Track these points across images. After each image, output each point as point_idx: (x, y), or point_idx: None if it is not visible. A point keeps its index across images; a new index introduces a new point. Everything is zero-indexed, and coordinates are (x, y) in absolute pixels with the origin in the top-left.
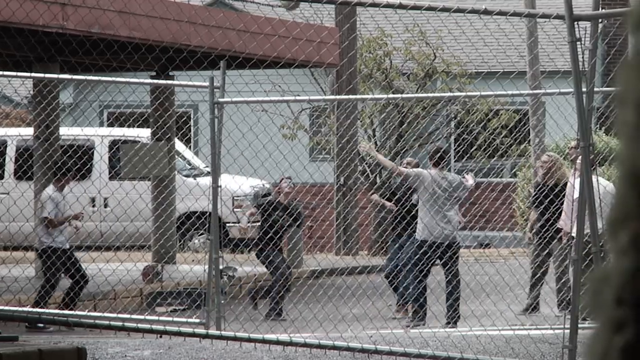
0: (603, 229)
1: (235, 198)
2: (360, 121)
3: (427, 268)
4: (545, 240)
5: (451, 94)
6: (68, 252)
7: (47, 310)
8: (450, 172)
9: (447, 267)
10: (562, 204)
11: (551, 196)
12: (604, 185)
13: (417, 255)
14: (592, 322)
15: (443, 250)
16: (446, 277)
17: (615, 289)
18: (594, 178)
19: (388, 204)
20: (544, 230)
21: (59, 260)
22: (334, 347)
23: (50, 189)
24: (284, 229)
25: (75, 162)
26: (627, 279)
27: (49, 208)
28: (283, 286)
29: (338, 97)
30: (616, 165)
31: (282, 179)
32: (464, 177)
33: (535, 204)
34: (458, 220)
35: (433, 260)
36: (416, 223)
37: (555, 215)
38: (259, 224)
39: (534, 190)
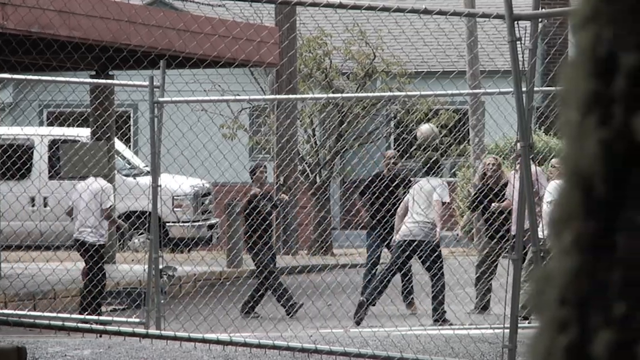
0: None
1: (175, 197)
2: (300, 121)
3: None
4: (494, 241)
5: (391, 94)
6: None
7: None
8: (433, 179)
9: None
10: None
11: (491, 197)
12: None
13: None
14: (533, 321)
15: (416, 248)
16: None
17: (559, 289)
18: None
19: None
20: (488, 232)
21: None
22: (274, 347)
23: (104, 181)
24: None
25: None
26: (570, 279)
27: (110, 198)
28: None
29: (278, 96)
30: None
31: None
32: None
33: (475, 205)
34: (427, 221)
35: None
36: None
37: (496, 217)
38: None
39: (474, 192)
